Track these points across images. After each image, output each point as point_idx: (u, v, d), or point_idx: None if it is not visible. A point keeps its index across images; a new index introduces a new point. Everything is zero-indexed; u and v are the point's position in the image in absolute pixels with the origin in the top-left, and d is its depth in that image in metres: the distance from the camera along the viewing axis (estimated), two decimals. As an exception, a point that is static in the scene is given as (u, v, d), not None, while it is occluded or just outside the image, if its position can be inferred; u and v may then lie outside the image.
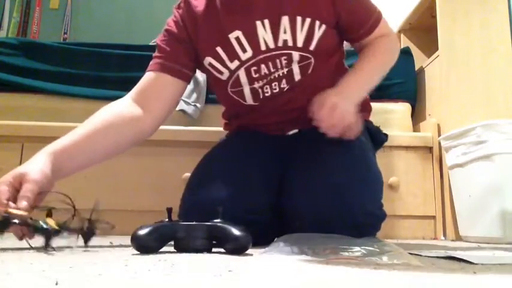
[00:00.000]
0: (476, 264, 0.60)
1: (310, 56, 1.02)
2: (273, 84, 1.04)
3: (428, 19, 1.78)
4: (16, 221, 0.69)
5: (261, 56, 1.01)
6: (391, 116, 1.65)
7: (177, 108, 1.59)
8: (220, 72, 1.05)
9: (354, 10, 1.05)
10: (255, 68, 1.03)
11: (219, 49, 1.03)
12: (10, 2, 3.06)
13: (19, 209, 0.71)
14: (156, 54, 1.06)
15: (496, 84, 1.52)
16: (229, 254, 0.70)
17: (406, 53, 1.74)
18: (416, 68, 1.75)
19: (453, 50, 1.56)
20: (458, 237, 1.40)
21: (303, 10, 0.99)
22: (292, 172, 0.96)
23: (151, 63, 1.05)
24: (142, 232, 0.70)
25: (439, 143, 1.49)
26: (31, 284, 0.38)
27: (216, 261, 0.59)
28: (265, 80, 1.04)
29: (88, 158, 0.94)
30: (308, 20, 0.99)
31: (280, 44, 1.00)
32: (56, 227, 0.71)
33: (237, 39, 1.01)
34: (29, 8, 3.06)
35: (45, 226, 0.70)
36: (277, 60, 1.02)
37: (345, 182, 0.90)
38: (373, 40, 1.09)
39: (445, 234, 1.47)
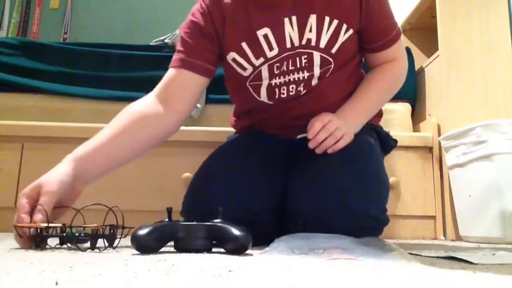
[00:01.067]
0: (476, 264, 0.60)
1: (330, 59, 1.02)
2: (290, 87, 1.03)
3: (428, 19, 1.78)
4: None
5: (285, 54, 1.00)
6: (391, 116, 1.65)
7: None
8: (244, 68, 1.04)
9: (380, 19, 1.05)
10: (277, 64, 1.02)
11: (244, 45, 1.01)
12: (10, 2, 3.06)
13: (35, 223, 0.75)
14: (179, 48, 1.04)
15: (496, 84, 1.52)
16: (229, 254, 0.70)
17: (406, 53, 1.74)
18: (416, 68, 1.75)
19: (453, 50, 1.56)
20: (458, 237, 1.40)
21: (332, 11, 0.98)
22: (298, 173, 0.96)
23: (174, 57, 1.03)
24: (142, 232, 0.70)
25: (439, 143, 1.49)
26: (31, 284, 0.38)
27: (216, 261, 0.59)
28: (283, 78, 1.03)
29: (113, 160, 0.96)
30: (335, 22, 0.98)
31: (303, 42, 0.99)
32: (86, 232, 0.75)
33: (265, 36, 0.99)
34: (29, 8, 3.06)
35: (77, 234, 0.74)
36: (298, 59, 1.01)
37: (349, 185, 0.90)
38: (383, 64, 1.09)
39: (445, 234, 1.47)
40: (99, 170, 0.93)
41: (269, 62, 1.01)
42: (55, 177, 0.83)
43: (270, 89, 1.05)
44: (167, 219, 0.74)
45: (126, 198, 1.41)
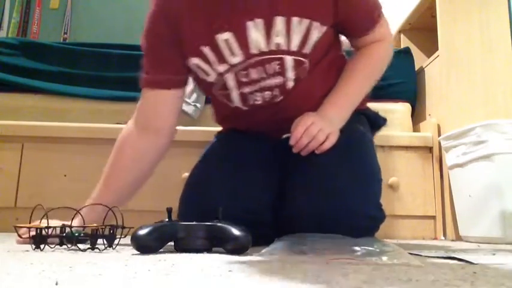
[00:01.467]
0: (476, 264, 0.60)
1: (304, 59, 0.95)
2: (265, 93, 0.98)
3: (428, 19, 1.78)
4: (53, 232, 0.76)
5: (252, 60, 0.93)
6: (391, 116, 1.64)
7: (177, 108, 1.59)
8: (207, 74, 0.97)
9: (360, 7, 0.99)
10: (244, 72, 0.95)
11: (206, 49, 0.93)
12: (10, 2, 3.06)
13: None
14: (143, 63, 0.99)
15: (496, 84, 1.52)
16: (229, 254, 0.70)
17: (406, 53, 1.74)
18: (416, 68, 1.75)
19: (453, 50, 1.56)
20: (458, 237, 1.40)
21: (300, 10, 0.90)
22: (293, 173, 0.95)
23: (142, 76, 0.99)
24: (142, 232, 0.70)
25: (439, 143, 1.49)
26: (31, 284, 0.38)
27: (216, 261, 0.59)
28: (255, 86, 0.97)
29: (124, 199, 1.01)
30: (306, 22, 0.91)
31: (273, 47, 0.92)
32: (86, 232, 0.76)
33: (226, 41, 0.91)
34: (29, 8, 3.06)
35: (76, 234, 0.75)
36: (268, 66, 0.94)
37: (345, 185, 0.89)
38: (368, 46, 1.04)
39: (445, 234, 1.47)
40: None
41: (235, 70, 0.95)
42: None
43: (242, 96, 0.99)
44: (167, 219, 0.74)
45: (126, 198, 1.41)
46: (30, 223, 0.78)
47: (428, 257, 0.70)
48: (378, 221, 0.94)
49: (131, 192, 1.03)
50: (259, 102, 1.00)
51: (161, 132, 1.02)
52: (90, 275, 0.44)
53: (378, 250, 0.65)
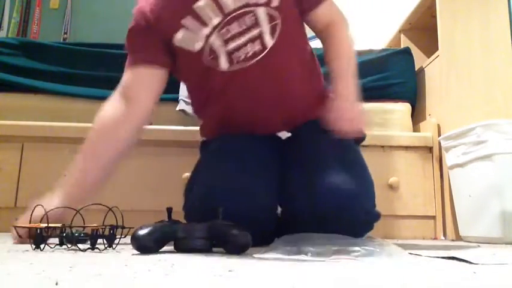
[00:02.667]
0: (476, 264, 0.60)
1: (275, 13, 1.00)
2: (248, 46, 1.01)
3: (428, 19, 1.78)
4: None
5: (229, 18, 0.99)
6: (391, 116, 1.65)
7: (177, 108, 1.59)
8: (194, 42, 1.01)
9: None
10: (225, 30, 1.00)
11: (186, 20, 1.00)
12: (10, 2, 3.06)
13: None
14: (128, 47, 1.06)
15: (496, 84, 1.52)
16: (229, 254, 0.70)
17: (406, 53, 1.74)
18: (416, 68, 1.75)
19: (453, 50, 1.56)
20: (458, 237, 1.40)
21: None
22: (295, 173, 0.97)
23: (129, 57, 1.06)
24: (142, 232, 0.70)
25: (439, 143, 1.49)
26: (31, 284, 0.38)
27: (216, 261, 0.59)
28: (238, 41, 1.01)
29: (100, 174, 1.03)
30: None
31: (243, 2, 0.98)
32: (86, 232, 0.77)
33: (204, 7, 0.98)
34: (29, 8, 3.06)
35: (76, 234, 0.76)
36: (247, 18, 0.99)
37: (344, 184, 0.91)
38: (331, 31, 1.09)
39: (445, 234, 1.47)
40: (88, 188, 1.00)
41: (217, 30, 1.00)
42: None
43: (229, 56, 1.02)
44: (167, 219, 0.74)
45: (126, 198, 1.41)
46: (30, 223, 0.78)
47: (428, 257, 0.71)
48: (375, 218, 0.97)
49: (105, 175, 1.05)
50: (242, 58, 1.02)
51: (138, 103, 1.04)
52: (90, 275, 0.44)
53: (377, 250, 0.65)
